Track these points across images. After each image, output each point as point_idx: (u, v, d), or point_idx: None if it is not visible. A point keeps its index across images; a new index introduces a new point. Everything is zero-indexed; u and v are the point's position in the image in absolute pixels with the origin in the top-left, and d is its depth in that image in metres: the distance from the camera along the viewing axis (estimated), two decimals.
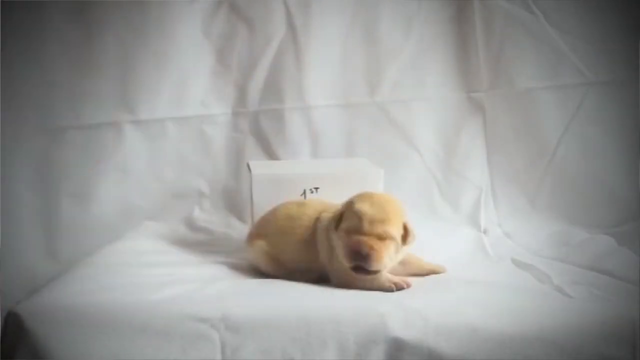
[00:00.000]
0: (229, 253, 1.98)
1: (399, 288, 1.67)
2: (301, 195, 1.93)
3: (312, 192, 1.93)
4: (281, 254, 1.78)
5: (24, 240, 2.22)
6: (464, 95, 2.37)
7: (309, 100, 2.36)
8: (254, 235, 1.84)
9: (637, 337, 1.52)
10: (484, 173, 2.36)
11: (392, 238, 1.65)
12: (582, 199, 2.32)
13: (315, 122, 2.37)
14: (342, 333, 1.51)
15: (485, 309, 1.56)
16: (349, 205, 1.69)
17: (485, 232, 2.27)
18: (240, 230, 2.24)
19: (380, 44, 2.36)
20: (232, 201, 2.37)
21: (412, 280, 1.70)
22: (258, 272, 1.81)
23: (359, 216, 1.65)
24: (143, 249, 1.99)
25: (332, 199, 1.82)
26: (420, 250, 1.79)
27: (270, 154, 2.37)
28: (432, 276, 1.81)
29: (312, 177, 1.95)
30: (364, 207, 1.66)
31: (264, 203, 1.90)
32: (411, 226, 1.68)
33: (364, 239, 1.64)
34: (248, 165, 2.07)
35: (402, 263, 1.75)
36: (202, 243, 2.12)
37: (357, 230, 1.64)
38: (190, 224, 2.30)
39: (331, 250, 1.70)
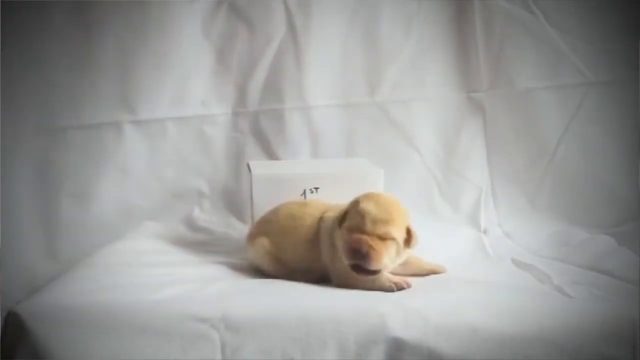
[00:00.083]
0: (229, 253, 1.98)
1: (400, 288, 1.67)
2: (301, 195, 1.93)
3: (312, 192, 1.93)
4: (283, 254, 1.78)
5: (24, 240, 2.22)
6: (464, 95, 2.37)
7: (309, 100, 2.36)
8: (255, 235, 1.84)
9: (637, 337, 1.52)
10: (484, 173, 2.37)
11: (393, 239, 1.65)
12: (582, 199, 2.32)
13: (315, 122, 2.37)
14: (342, 333, 1.51)
15: (485, 309, 1.56)
16: (354, 204, 1.69)
17: (485, 232, 2.27)
18: (240, 230, 2.24)
19: (380, 44, 2.36)
20: (232, 201, 2.37)
21: (412, 280, 1.70)
22: (258, 272, 1.81)
23: (362, 215, 1.65)
24: (143, 249, 1.99)
25: (332, 199, 1.82)
26: (420, 250, 1.79)
27: (270, 154, 2.37)
28: (432, 276, 1.81)
29: (312, 177, 1.95)
30: (368, 207, 1.66)
31: (264, 203, 1.90)
32: (415, 230, 1.68)
33: (365, 237, 1.64)
34: (248, 165, 2.07)
35: (402, 263, 1.75)
36: (202, 243, 2.12)
37: (359, 228, 1.65)
38: (190, 224, 2.30)
39: (334, 250, 1.71)
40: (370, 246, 1.63)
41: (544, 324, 1.53)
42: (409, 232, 1.68)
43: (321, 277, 1.74)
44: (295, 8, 2.34)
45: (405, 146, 2.37)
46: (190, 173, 2.36)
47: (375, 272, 1.66)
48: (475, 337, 1.51)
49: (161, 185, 2.35)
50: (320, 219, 1.77)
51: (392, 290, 1.66)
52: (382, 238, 1.64)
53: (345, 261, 1.66)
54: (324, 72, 2.36)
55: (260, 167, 2.06)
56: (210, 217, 2.34)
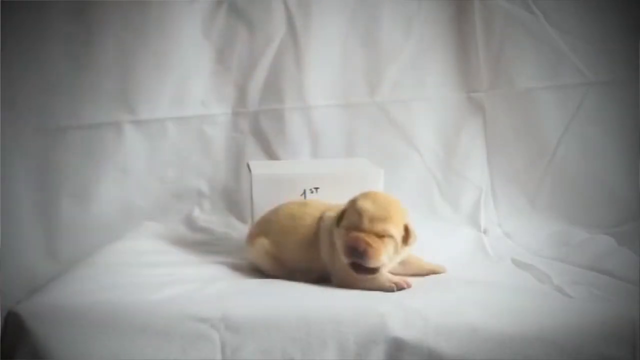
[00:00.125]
0: (229, 253, 1.98)
1: (400, 288, 1.67)
2: (301, 195, 1.93)
3: (312, 192, 1.93)
4: (283, 254, 1.78)
5: (24, 240, 2.22)
6: (464, 95, 2.37)
7: (309, 100, 2.36)
8: (255, 235, 1.84)
9: (637, 337, 1.52)
10: (484, 173, 2.37)
11: (391, 236, 1.65)
12: (582, 199, 2.32)
13: (315, 122, 2.37)
14: (342, 333, 1.51)
15: (485, 309, 1.56)
16: (352, 202, 1.69)
17: (485, 232, 2.27)
18: (240, 230, 2.24)
19: (380, 44, 2.36)
20: (232, 201, 2.37)
21: (412, 280, 1.70)
22: (258, 272, 1.81)
23: (359, 213, 1.65)
24: (143, 249, 1.99)
25: (332, 199, 1.82)
26: (420, 250, 1.79)
27: (270, 154, 2.37)
28: (432, 276, 1.81)
29: (312, 177, 1.95)
30: (365, 205, 1.66)
31: (264, 203, 1.90)
32: (413, 228, 1.68)
33: (362, 235, 1.64)
34: (248, 165, 2.07)
35: (402, 263, 1.75)
36: (202, 243, 2.12)
37: (357, 226, 1.65)
38: (190, 224, 2.30)
39: (333, 250, 1.71)
40: (368, 243, 1.63)
41: (544, 324, 1.53)
42: (407, 230, 1.68)
43: (321, 277, 1.74)
44: (295, 8, 2.34)
45: (405, 146, 2.37)
46: (190, 173, 2.36)
47: (374, 271, 1.66)
48: (475, 337, 1.51)
49: (161, 185, 2.35)
50: (320, 218, 1.77)
51: (392, 290, 1.66)
52: (380, 235, 1.64)
53: (344, 260, 1.66)
54: (324, 72, 2.36)
55: (260, 167, 2.06)
56: (210, 217, 2.34)
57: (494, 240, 2.20)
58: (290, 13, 2.34)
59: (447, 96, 2.37)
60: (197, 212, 2.35)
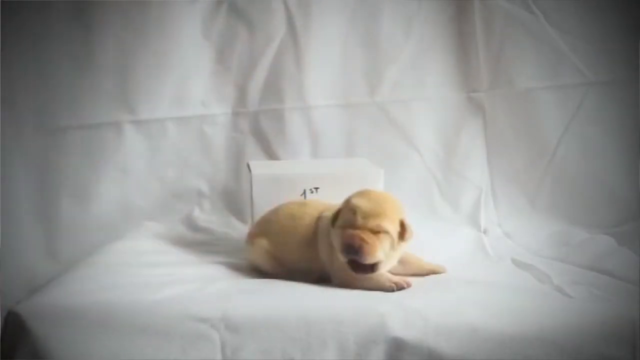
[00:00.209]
0: (229, 253, 1.98)
1: (400, 288, 1.66)
2: (301, 195, 1.93)
3: (312, 192, 1.93)
4: (282, 253, 1.78)
5: (24, 240, 2.22)
6: (464, 95, 2.37)
7: (309, 100, 2.36)
8: (254, 235, 1.84)
9: (637, 337, 1.52)
10: (484, 173, 2.37)
11: (386, 232, 1.64)
12: (582, 199, 2.32)
13: (315, 122, 2.37)
14: (342, 333, 1.51)
15: (485, 309, 1.56)
16: (346, 201, 1.69)
17: (485, 232, 2.27)
18: (240, 230, 2.24)
19: (380, 44, 2.36)
20: (232, 201, 2.37)
21: (412, 280, 1.70)
22: (258, 272, 1.81)
23: (353, 210, 1.65)
24: (143, 249, 1.99)
25: (332, 199, 1.81)
26: (420, 250, 1.79)
27: (270, 154, 2.37)
28: (432, 276, 1.81)
29: (312, 177, 1.95)
30: (359, 202, 1.66)
31: (264, 203, 1.90)
32: (408, 223, 1.68)
33: (357, 232, 1.64)
34: (248, 165, 2.07)
35: (402, 263, 1.75)
36: (202, 243, 2.12)
37: (351, 224, 1.65)
38: (190, 224, 2.30)
39: (331, 250, 1.70)
40: (363, 240, 1.63)
41: (544, 324, 1.53)
42: (402, 225, 1.67)
43: (321, 277, 1.74)
44: (295, 8, 2.34)
45: (405, 146, 2.37)
46: (190, 173, 2.36)
47: (372, 268, 1.65)
48: (475, 337, 1.51)
49: (161, 185, 2.35)
50: (319, 218, 1.77)
51: (392, 290, 1.66)
52: (375, 231, 1.64)
53: (341, 259, 1.66)
54: (324, 72, 2.36)
55: (260, 167, 2.06)
56: (210, 217, 2.34)
57: (494, 240, 2.20)
58: (290, 13, 2.34)
59: (447, 96, 2.37)
60: (197, 212, 2.35)
